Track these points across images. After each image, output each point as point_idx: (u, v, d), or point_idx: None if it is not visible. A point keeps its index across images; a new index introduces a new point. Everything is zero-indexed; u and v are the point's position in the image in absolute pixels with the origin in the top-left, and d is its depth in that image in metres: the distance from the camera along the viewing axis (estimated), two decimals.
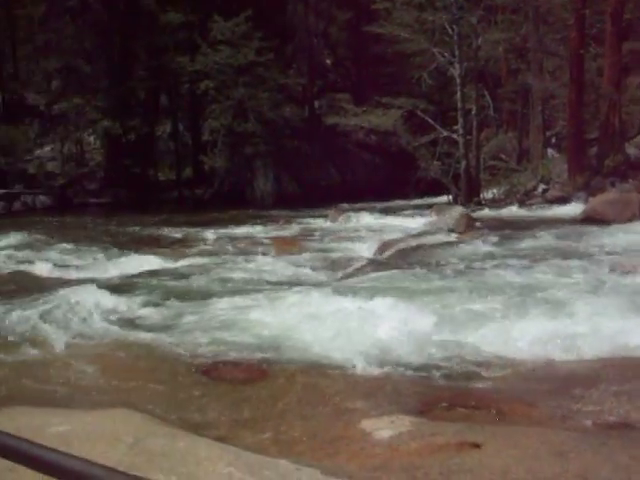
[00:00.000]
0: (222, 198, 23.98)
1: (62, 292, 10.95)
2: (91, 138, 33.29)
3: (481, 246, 13.61)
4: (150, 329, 8.80)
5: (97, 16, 27.74)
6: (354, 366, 7.10)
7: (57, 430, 5.14)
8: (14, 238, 18.58)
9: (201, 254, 14.60)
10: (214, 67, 23.42)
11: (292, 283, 11.02)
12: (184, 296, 10.34)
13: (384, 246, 14.05)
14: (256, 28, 23.84)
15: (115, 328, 8.94)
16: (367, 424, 5.76)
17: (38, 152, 33.49)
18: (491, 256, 12.49)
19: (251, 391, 6.69)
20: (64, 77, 29.24)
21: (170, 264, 13.45)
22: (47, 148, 34.01)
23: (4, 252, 16.15)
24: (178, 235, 18.24)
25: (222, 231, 17.88)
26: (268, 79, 23.79)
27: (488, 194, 22.75)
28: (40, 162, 32.39)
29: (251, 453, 4.97)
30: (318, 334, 8.02)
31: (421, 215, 18.30)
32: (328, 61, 31.25)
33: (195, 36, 25.26)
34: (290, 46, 27.48)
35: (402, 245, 13.88)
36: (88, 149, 33.48)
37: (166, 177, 29.86)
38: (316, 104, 28.37)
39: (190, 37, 25.83)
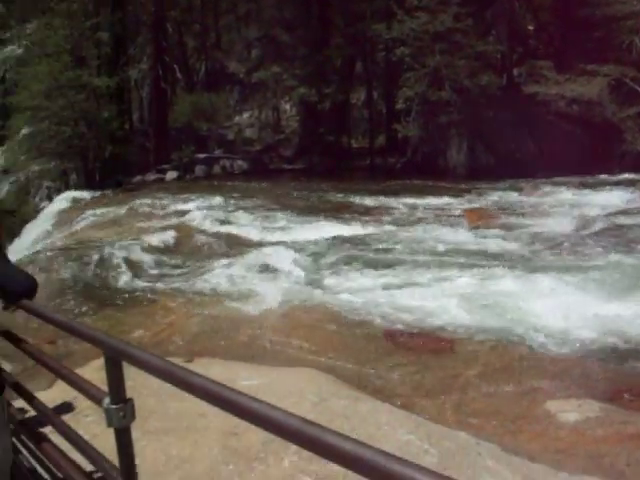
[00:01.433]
0: (414, 167, 23.77)
1: (257, 253, 11.43)
2: (287, 106, 34.20)
3: None
4: (338, 293, 8.91)
5: None
6: (543, 346, 6.80)
7: (246, 384, 5.31)
8: (214, 200, 19.53)
9: (392, 223, 14.53)
10: (410, 34, 23.09)
11: (485, 256, 10.69)
12: (373, 264, 10.37)
13: (585, 223, 13.18)
14: None
15: (305, 289, 9.16)
16: (552, 405, 5.50)
17: (237, 119, 34.90)
18: None
19: (435, 362, 6.59)
20: (263, 46, 30.15)
21: (360, 231, 13.52)
22: (246, 115, 35.37)
23: (204, 212, 17.03)
24: (370, 203, 18.27)
25: (413, 201, 17.69)
26: (465, 46, 23.12)
27: None
28: (239, 128, 33.76)
29: (431, 422, 4.88)
30: (510, 312, 7.75)
31: (626, 191, 17.07)
32: (530, 27, 29.90)
33: (391, 3, 25.04)
34: (489, 11, 26.50)
35: (603, 223, 13.00)
36: (284, 116, 34.43)
37: (359, 145, 30.08)
38: (515, 72, 27.26)
39: (386, 4, 25.64)
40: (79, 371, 6.30)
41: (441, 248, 11.35)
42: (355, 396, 5.19)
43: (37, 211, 27.65)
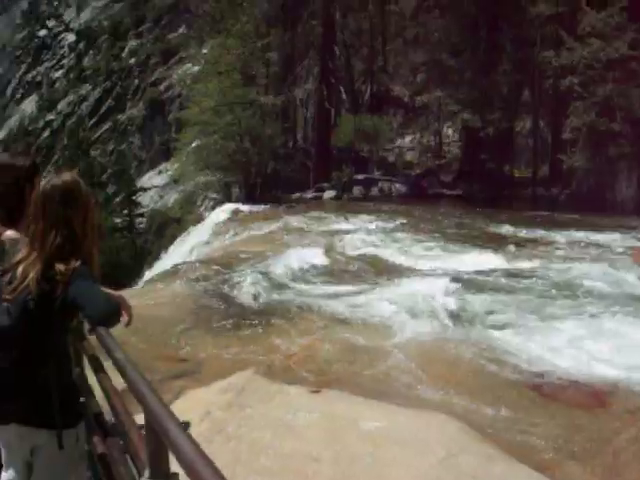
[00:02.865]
0: (578, 200, 22.48)
1: (405, 281, 11.01)
2: (450, 131, 33.62)
3: None
4: (483, 330, 8.32)
5: (466, 9, 27.71)
6: None
7: (369, 426, 4.92)
8: (368, 222, 19.32)
9: (550, 258, 13.64)
10: (581, 62, 21.92)
11: None
12: (525, 301, 9.64)
13: None
14: (631, 19, 21.94)
15: (449, 324, 8.62)
16: None
17: (399, 142, 34.69)
18: None
19: (586, 418, 5.89)
20: (429, 70, 29.77)
21: (516, 265, 12.76)
22: (407, 138, 35.10)
23: (356, 234, 16.84)
24: (528, 235, 17.37)
25: (575, 234, 16.63)
26: None
27: None
28: (400, 151, 33.50)
29: None
30: None
31: None
32: None
33: (561, 29, 23.98)
34: None
35: None
36: (446, 141, 33.85)
37: (521, 174, 29.01)
38: None
39: (556, 30, 24.60)
40: (200, 390, 6.17)
41: (602, 288, 10.44)
42: (488, 453, 4.62)
43: (199, 221, 28.63)
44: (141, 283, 20.92)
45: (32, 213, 2.85)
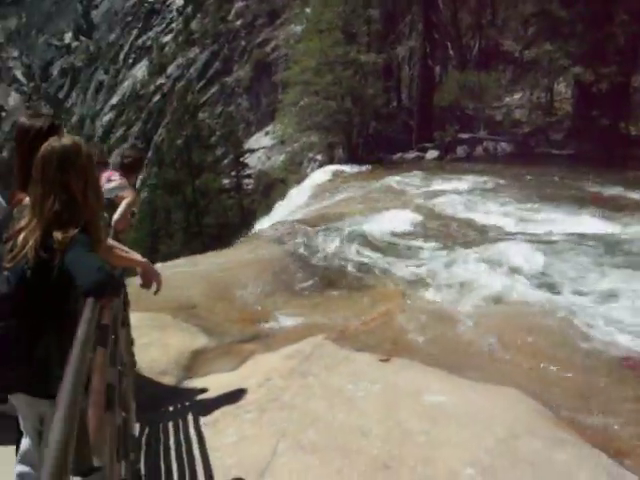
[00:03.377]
0: None
1: (502, 245, 10.52)
2: (562, 87, 32.06)
3: None
4: (578, 302, 7.79)
5: None
6: None
7: (432, 400, 4.64)
8: (471, 183, 18.75)
9: None
10: None
11: None
12: (629, 273, 8.94)
13: None
14: None
15: (539, 292, 8.15)
16: None
17: (507, 99, 33.38)
18: None
19: None
20: (538, 22, 28.36)
21: (617, 229, 12.00)
22: (516, 96, 33.72)
23: (457, 196, 16.35)
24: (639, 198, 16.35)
25: None
26: None
27: None
28: (508, 109, 32.24)
29: None
30: None
31: None
32: None
33: None
34: None
35: None
36: (558, 98, 32.32)
37: (638, 132, 27.37)
38: None
39: None
40: (267, 355, 6.04)
41: None
42: (556, 437, 4.23)
43: (302, 182, 28.61)
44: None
45: (33, 178, 2.73)
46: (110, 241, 3.42)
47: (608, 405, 5.21)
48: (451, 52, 33.77)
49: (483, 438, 4.05)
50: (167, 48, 60.95)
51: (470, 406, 4.58)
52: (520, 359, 6.07)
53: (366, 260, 10.06)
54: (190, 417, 4.58)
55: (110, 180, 4.92)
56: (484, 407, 4.56)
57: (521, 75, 32.90)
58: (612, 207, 14.55)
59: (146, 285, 3.54)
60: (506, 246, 10.19)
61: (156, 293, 3.54)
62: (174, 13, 63.23)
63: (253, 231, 21.23)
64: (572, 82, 27.95)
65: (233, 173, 39.11)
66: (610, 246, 10.19)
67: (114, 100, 62.93)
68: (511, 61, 33.74)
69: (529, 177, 20.35)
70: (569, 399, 5.27)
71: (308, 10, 32.49)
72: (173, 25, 62.40)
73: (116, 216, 4.61)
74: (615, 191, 17.33)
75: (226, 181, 38.48)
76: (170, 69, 57.67)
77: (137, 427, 4.42)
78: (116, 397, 2.67)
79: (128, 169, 5.27)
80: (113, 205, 4.68)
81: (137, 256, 3.62)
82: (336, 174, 24.82)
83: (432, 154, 26.83)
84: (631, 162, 23.39)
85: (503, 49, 33.96)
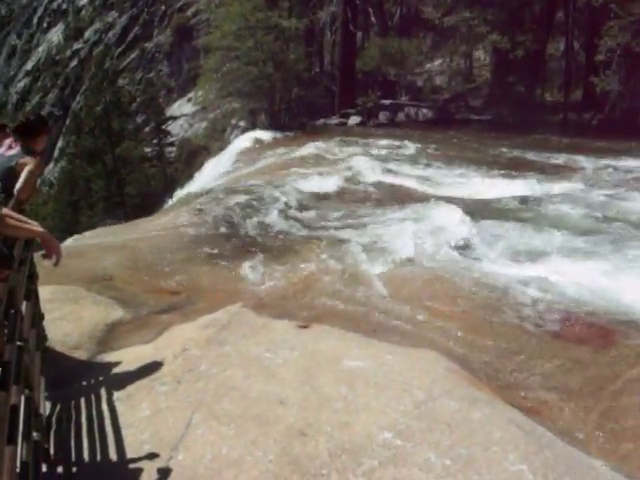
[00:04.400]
0: (611, 125, 21.59)
1: (418, 208, 10.63)
2: (481, 54, 32.43)
3: None
4: (499, 264, 7.91)
5: None
6: None
7: (351, 365, 4.64)
8: (392, 148, 18.85)
9: (576, 185, 13.05)
10: None
11: None
12: (546, 231, 9.14)
13: None
14: None
15: (459, 255, 8.25)
16: None
17: (428, 66, 33.62)
18: None
19: (589, 356, 5.53)
20: None
21: (539, 192, 12.27)
22: (437, 62, 33.98)
23: (377, 161, 16.39)
24: (555, 161, 16.79)
25: (604, 162, 15.95)
26: None
27: None
28: (429, 75, 32.49)
29: (559, 443, 3.92)
30: None
31: None
32: None
33: None
34: None
35: None
36: (477, 65, 32.70)
37: (554, 99, 27.94)
38: None
39: None
40: (184, 325, 5.94)
41: (628, 217, 9.92)
42: (472, 397, 4.28)
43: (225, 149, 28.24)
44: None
45: None
46: (4, 210, 3.25)
47: (525, 364, 5.32)
48: (373, 19, 33.70)
49: (401, 401, 4.07)
50: (84, 12, 58.87)
51: (388, 370, 4.59)
52: (439, 322, 6.13)
53: (286, 226, 10.00)
54: (103, 392, 4.46)
55: (10, 147, 4.67)
56: (402, 370, 4.58)
57: (441, 42, 33.17)
58: (530, 170, 14.88)
59: (48, 256, 3.41)
60: (426, 209, 10.30)
61: (56, 264, 3.40)
62: None
63: (172, 200, 20.92)
64: (490, 49, 28.29)
65: (155, 141, 38.27)
66: (529, 208, 10.40)
67: (29, 66, 60.62)
68: (431, 28, 33.87)
69: (449, 142, 20.59)
70: (487, 360, 5.36)
71: None
72: None
73: (18, 185, 4.37)
74: (530, 155, 17.72)
75: (148, 149, 37.64)
76: (87, 34, 55.82)
77: (47, 405, 4.28)
78: (12, 374, 2.54)
79: (25, 134, 4.83)
80: (14, 173, 4.43)
81: (35, 226, 3.46)
82: (258, 141, 24.59)
83: (355, 120, 26.85)
84: (546, 128, 23.92)
85: (423, 16, 34.07)
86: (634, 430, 4.35)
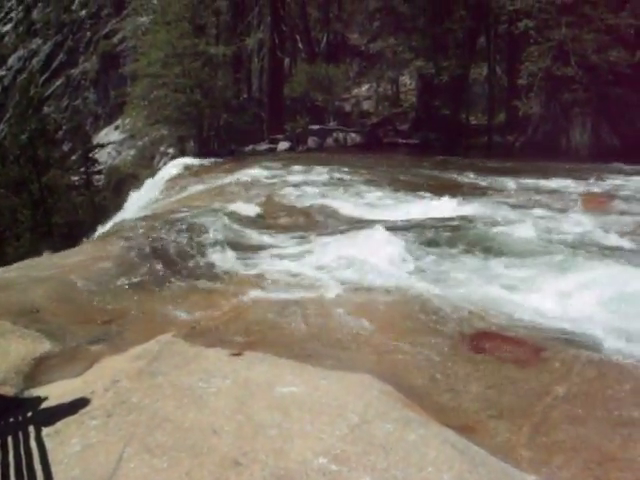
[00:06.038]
0: (534, 147, 22.31)
1: (351, 231, 10.74)
2: (407, 79, 33.13)
3: None
4: (425, 283, 8.03)
5: None
6: None
7: (284, 391, 4.63)
8: (321, 173, 18.99)
9: (502, 204, 13.44)
10: (535, 5, 21.55)
11: (599, 247, 9.47)
12: (472, 250, 9.40)
13: None
14: None
15: (390, 276, 8.34)
16: None
17: (356, 91, 34.15)
18: None
19: (518, 374, 5.65)
20: (383, 17, 29.17)
21: (468, 212, 12.50)
22: (364, 87, 34.55)
23: (308, 186, 16.51)
24: (482, 183, 17.21)
25: (527, 181, 16.50)
26: (595, 19, 21.30)
27: None
28: (356, 101, 32.99)
29: (493, 460, 4.00)
30: (612, 319, 6.64)
31: None
32: None
33: None
34: None
35: None
36: (403, 90, 33.38)
37: (478, 122, 28.73)
38: None
39: None
40: (115, 357, 5.85)
41: (550, 236, 10.23)
42: (407, 418, 4.33)
43: (154, 176, 28.00)
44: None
45: None
46: None
47: (456, 384, 5.40)
48: (300, 45, 34.11)
49: (336, 425, 4.08)
50: (7, 38, 57.84)
51: (323, 395, 4.61)
52: (375, 344, 6.18)
53: (215, 253, 9.95)
54: (31, 429, 4.34)
55: None
56: (337, 395, 4.60)
57: (367, 68, 33.75)
58: (456, 191, 15.18)
59: None
60: (359, 233, 10.38)
61: None
62: (13, 1, 60.08)
63: (101, 229, 20.60)
64: (415, 74, 28.94)
65: (82, 169, 37.64)
66: (462, 229, 10.60)
67: None
68: (357, 54, 34.50)
69: (379, 166, 20.87)
70: (420, 381, 5.42)
71: (155, 1, 31.81)
72: (12, 14, 59.29)
73: None
74: (458, 177, 18.12)
75: (75, 178, 36.98)
76: (11, 61, 54.79)
77: None
78: None
79: None
80: None
81: None
82: (187, 167, 24.47)
83: (283, 145, 27.01)
84: (472, 150, 24.55)
85: (350, 42, 34.69)
86: (564, 443, 4.46)
